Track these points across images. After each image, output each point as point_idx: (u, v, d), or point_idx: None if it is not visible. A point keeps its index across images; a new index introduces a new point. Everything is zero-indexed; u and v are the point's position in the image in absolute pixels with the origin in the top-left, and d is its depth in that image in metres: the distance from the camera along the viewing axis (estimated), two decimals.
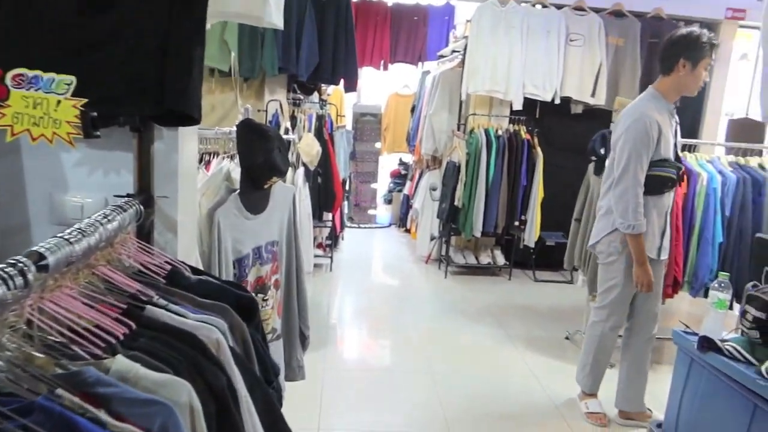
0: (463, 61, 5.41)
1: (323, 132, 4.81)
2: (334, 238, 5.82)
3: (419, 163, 6.79)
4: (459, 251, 5.81)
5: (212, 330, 1.02)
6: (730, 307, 2.17)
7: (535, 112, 5.53)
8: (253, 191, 1.76)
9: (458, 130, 5.68)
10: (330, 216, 5.31)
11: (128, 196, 1.26)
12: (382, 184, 8.30)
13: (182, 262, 1.24)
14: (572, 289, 5.33)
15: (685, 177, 3.44)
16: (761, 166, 3.80)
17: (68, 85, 1.08)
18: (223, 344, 1.02)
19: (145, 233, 1.31)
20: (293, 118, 4.72)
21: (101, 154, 1.31)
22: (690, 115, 5.53)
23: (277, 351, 1.99)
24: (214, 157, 2.11)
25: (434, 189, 5.96)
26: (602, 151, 3.78)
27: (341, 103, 7.20)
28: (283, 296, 2.04)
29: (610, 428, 3.00)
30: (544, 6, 5.32)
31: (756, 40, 6.08)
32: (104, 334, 0.89)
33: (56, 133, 1.09)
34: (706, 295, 3.72)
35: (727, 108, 6.19)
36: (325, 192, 4.76)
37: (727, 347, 1.96)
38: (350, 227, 7.45)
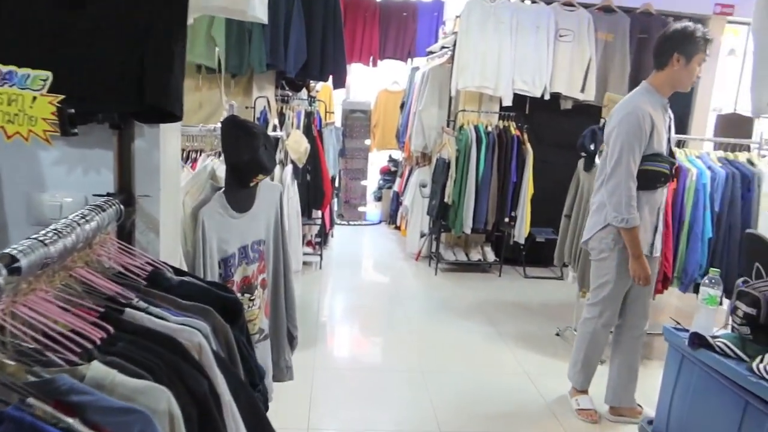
0: (452, 57, 5.38)
1: (312, 129, 4.77)
2: (323, 236, 5.79)
3: (409, 160, 6.77)
4: (449, 248, 5.79)
5: (194, 333, 0.99)
6: (720, 303, 2.16)
7: (525, 108, 5.51)
8: (239, 189, 1.73)
9: (448, 126, 5.66)
10: (319, 213, 5.28)
11: (108, 195, 1.22)
12: (372, 181, 8.27)
13: (164, 262, 1.21)
14: (562, 285, 5.33)
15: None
16: (750, 162, 3.80)
17: (44, 80, 1.05)
18: (206, 348, 1.00)
19: (126, 233, 1.28)
20: (282, 115, 4.68)
21: (80, 152, 1.27)
22: (679, 111, 5.50)
23: (264, 351, 1.96)
24: (200, 155, 2.08)
25: (424, 186, 5.93)
26: (592, 146, 3.77)
27: (330, 99, 7.17)
28: (271, 296, 2.01)
29: (601, 425, 2.99)
30: (534, 1, 5.32)
31: (744, 35, 6.11)
32: (80, 339, 0.86)
33: (32, 130, 1.05)
34: (695, 291, 3.73)
35: (716, 103, 6.21)
36: (314, 189, 4.72)
37: (718, 344, 1.95)
38: (340, 224, 7.42)
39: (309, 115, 4.88)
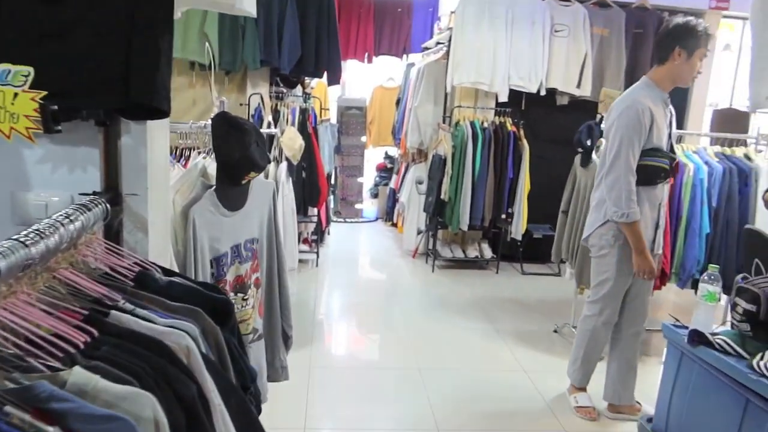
0: (447, 53, 5.35)
1: (307, 126, 4.73)
2: (320, 234, 5.76)
3: (405, 157, 6.73)
4: (446, 245, 5.76)
5: (182, 335, 0.96)
6: (718, 299, 2.14)
7: (521, 104, 5.49)
8: (231, 187, 1.70)
9: (444, 122, 5.63)
10: (315, 211, 5.25)
11: (94, 194, 1.19)
12: (368, 178, 8.24)
13: (153, 263, 1.18)
14: (560, 281, 5.31)
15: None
16: (747, 157, 3.78)
17: (26, 76, 1.02)
18: (194, 350, 0.97)
19: (113, 233, 1.25)
20: (276, 112, 4.65)
21: (66, 149, 1.24)
22: (675, 106, 5.49)
23: (258, 352, 1.94)
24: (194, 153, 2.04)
25: (420, 182, 5.91)
26: (588, 142, 3.75)
27: (325, 96, 7.12)
28: (265, 295, 1.98)
29: (599, 422, 2.97)
30: None
31: (739, 30, 6.09)
32: (63, 343, 0.83)
33: (14, 128, 1.02)
34: (693, 287, 3.71)
35: (711, 99, 6.19)
36: (309, 187, 4.69)
37: (717, 341, 1.93)
38: (336, 222, 7.39)
39: (304, 111, 4.84)
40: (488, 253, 5.71)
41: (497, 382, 3.37)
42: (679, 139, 3.85)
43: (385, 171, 8.17)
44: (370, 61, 6.97)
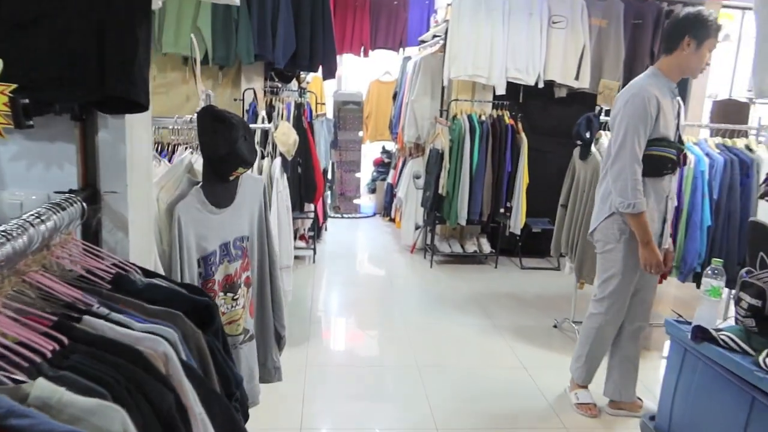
0: (444, 46, 5.28)
1: (302, 121, 4.67)
2: (316, 230, 5.70)
3: (402, 151, 6.68)
4: (444, 240, 5.71)
5: (159, 341, 0.91)
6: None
7: (519, 97, 5.43)
8: (218, 183, 1.64)
9: (441, 116, 5.57)
10: (312, 207, 5.19)
11: (70, 192, 1.14)
12: (366, 173, 8.18)
13: (133, 264, 1.13)
14: (559, 276, 5.26)
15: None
16: (748, 148, 3.73)
17: None
18: (172, 357, 0.91)
19: (92, 233, 1.19)
20: (271, 107, 4.58)
21: (41, 146, 1.18)
22: None
23: (250, 352, 1.88)
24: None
25: (418, 177, 5.85)
26: (587, 134, 3.68)
27: (321, 91, 7.06)
28: (256, 294, 1.93)
29: (600, 419, 2.92)
30: None
31: (738, 20, 6.03)
32: (29, 352, 0.78)
33: None
34: (694, 280, 3.67)
35: (711, 90, 6.13)
36: (305, 182, 4.63)
37: (722, 337, 1.88)
38: (334, 217, 7.34)
39: (299, 106, 4.78)
40: (487, 247, 5.66)
41: (497, 379, 3.32)
42: None
43: (383, 166, 8.11)
44: (366, 54, 6.89)
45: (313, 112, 5.40)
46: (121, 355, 0.85)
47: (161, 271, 1.46)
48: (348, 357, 3.70)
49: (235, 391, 1.11)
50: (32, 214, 0.95)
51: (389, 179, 7.32)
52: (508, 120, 5.18)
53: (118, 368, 0.82)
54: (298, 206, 4.61)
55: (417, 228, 5.94)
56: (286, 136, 3.24)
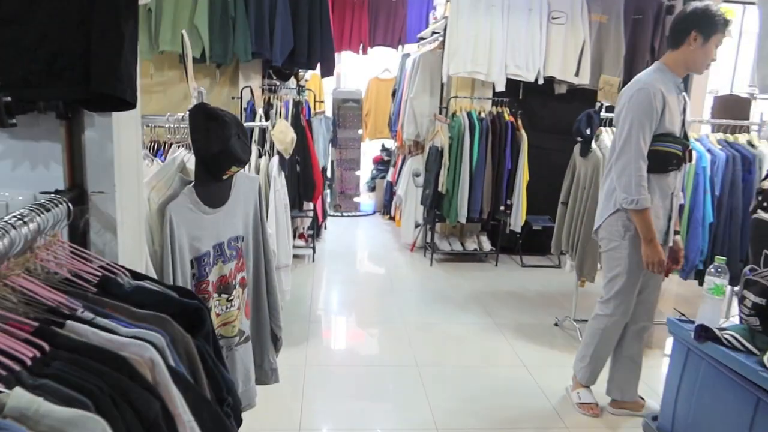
0: (443, 43, 5.25)
1: (300, 119, 4.64)
2: (316, 228, 5.67)
3: (401, 149, 6.64)
4: (444, 238, 5.68)
5: (145, 347, 0.88)
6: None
7: (518, 93, 5.39)
8: (211, 182, 1.61)
9: (440, 113, 5.53)
10: (311, 205, 5.16)
11: (56, 192, 1.11)
12: (365, 171, 8.15)
13: (121, 266, 1.09)
14: (560, 273, 5.23)
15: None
16: (750, 143, 3.70)
17: None
18: (159, 363, 0.88)
19: (79, 234, 1.16)
20: (269, 105, 4.55)
21: (26, 145, 1.15)
22: None
23: (246, 354, 1.85)
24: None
25: (417, 175, 5.82)
26: (588, 131, 3.64)
27: (320, 89, 7.02)
28: (252, 295, 1.90)
29: (602, 418, 2.89)
30: None
31: (739, 15, 5.98)
32: (7, 360, 0.75)
33: None
34: (696, 278, 3.63)
35: (711, 85, 6.09)
36: (304, 181, 4.60)
37: (725, 336, 1.85)
38: (333, 216, 7.30)
39: (297, 104, 4.75)
40: (487, 245, 5.63)
41: (497, 377, 3.29)
42: None
43: (382, 164, 8.08)
44: (365, 52, 6.86)
45: (312, 110, 5.36)
46: (105, 362, 0.81)
47: (153, 273, 1.43)
48: (348, 356, 3.67)
49: (227, 397, 1.08)
50: (14, 216, 0.92)
51: (389, 177, 7.29)
52: (507, 117, 5.14)
53: (102, 375, 0.79)
54: (297, 205, 4.58)
55: (417, 226, 5.91)
56: (283, 134, 3.20)
